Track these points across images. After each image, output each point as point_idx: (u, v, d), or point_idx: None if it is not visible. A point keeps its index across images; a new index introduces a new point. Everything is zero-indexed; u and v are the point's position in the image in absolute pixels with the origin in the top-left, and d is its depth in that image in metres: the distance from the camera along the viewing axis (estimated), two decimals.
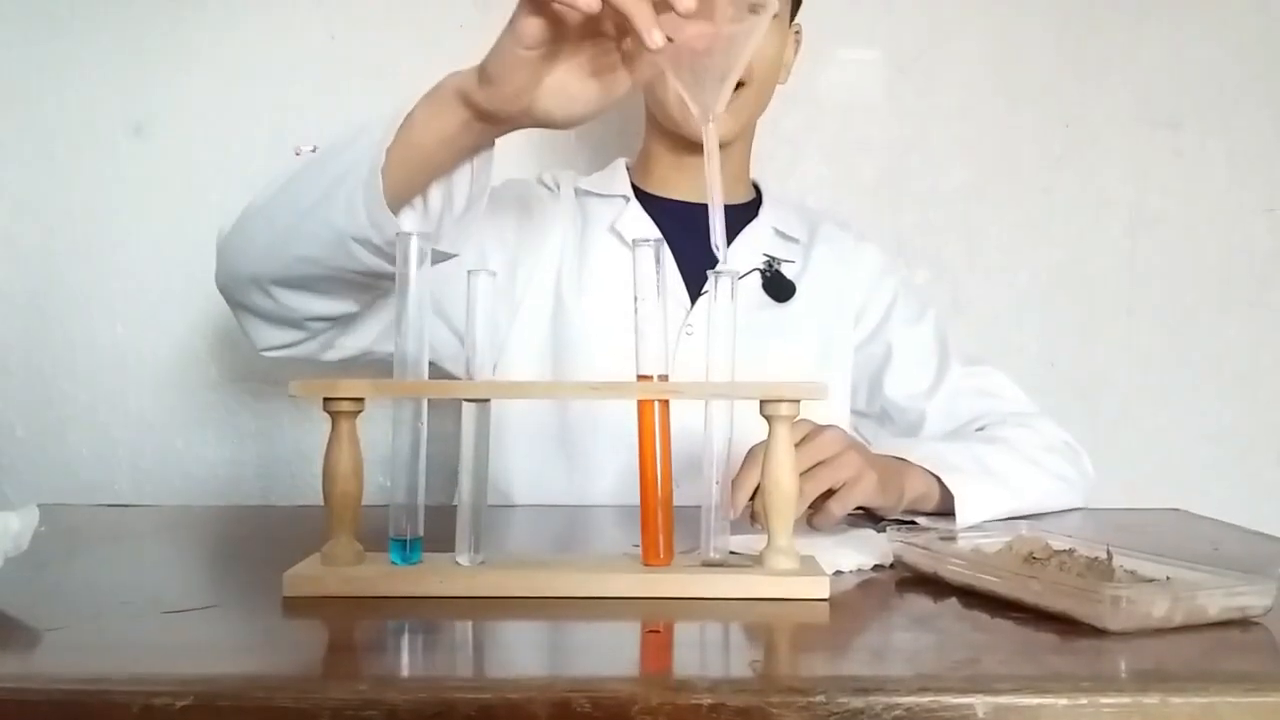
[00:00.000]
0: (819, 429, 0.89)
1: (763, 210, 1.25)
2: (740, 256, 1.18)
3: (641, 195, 1.23)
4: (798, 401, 0.68)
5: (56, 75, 1.49)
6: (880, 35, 1.54)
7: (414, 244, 0.70)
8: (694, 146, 1.15)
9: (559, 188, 1.23)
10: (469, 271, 0.71)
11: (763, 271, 1.20)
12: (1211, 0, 1.55)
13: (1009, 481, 1.01)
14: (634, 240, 0.71)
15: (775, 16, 1.14)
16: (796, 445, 0.82)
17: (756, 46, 0.77)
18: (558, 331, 1.16)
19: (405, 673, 0.57)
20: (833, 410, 1.19)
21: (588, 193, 1.23)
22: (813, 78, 1.53)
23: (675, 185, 1.22)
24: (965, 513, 0.95)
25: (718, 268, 0.71)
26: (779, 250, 1.23)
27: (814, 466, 0.86)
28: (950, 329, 1.28)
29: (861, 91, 1.55)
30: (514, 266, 1.16)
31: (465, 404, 0.70)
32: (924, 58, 1.54)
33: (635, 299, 0.70)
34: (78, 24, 1.48)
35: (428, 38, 1.50)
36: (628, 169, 1.27)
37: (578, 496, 1.13)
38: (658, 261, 0.70)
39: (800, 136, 1.53)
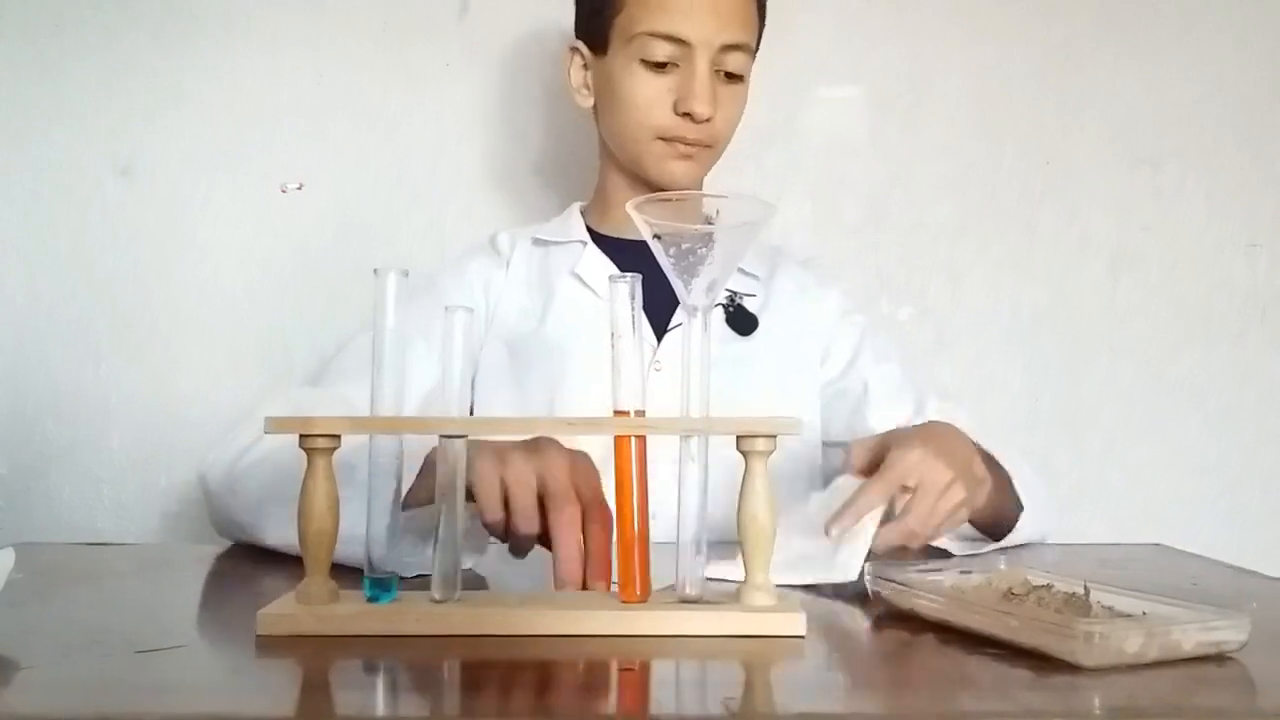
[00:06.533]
0: (900, 452, 0.89)
1: None
2: None
3: (598, 237, 1.25)
4: (774, 437, 0.68)
5: (43, 116, 1.49)
6: (863, 74, 1.56)
7: (391, 282, 0.70)
8: (653, 186, 1.18)
9: (514, 247, 1.26)
10: (446, 308, 0.71)
11: (725, 306, 1.21)
12: (1190, 38, 1.57)
13: (1043, 499, 1.02)
14: (610, 276, 0.72)
15: (742, 80, 1.16)
16: (882, 467, 0.87)
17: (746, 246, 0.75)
18: (524, 381, 1.17)
19: (379, 712, 0.56)
20: (804, 442, 1.19)
21: (546, 241, 1.26)
22: (796, 116, 1.54)
23: (633, 225, 1.22)
24: (1021, 529, 0.96)
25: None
26: (739, 285, 1.24)
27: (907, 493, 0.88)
28: (928, 367, 1.28)
29: (844, 130, 1.56)
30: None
31: (442, 440, 0.70)
32: (906, 96, 1.56)
33: (612, 335, 0.71)
34: (65, 65, 1.49)
35: (414, 78, 1.52)
36: (583, 213, 1.29)
37: None
38: (632, 298, 0.71)
39: (783, 174, 1.54)
